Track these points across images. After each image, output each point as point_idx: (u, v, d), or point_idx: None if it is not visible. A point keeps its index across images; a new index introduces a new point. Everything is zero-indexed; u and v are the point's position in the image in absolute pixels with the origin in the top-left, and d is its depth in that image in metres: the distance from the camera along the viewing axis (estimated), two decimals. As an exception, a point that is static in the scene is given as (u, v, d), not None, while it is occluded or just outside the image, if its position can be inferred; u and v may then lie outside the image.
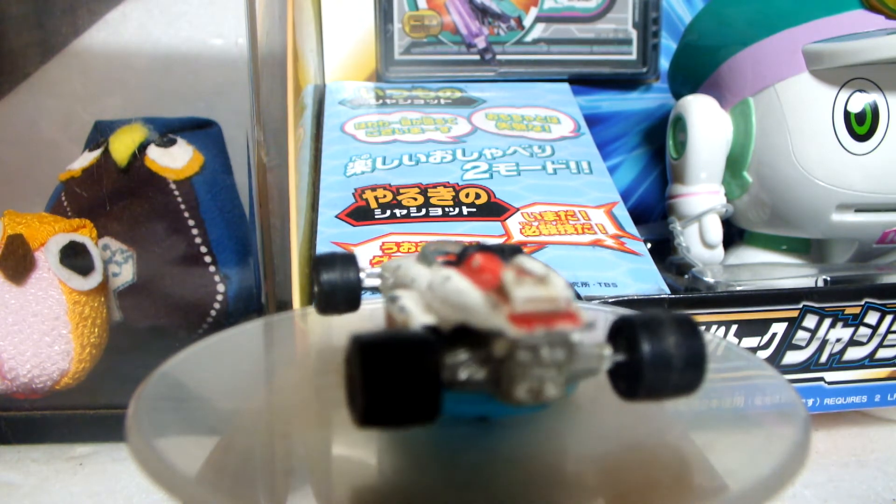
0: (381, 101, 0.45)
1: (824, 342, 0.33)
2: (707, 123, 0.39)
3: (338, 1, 0.47)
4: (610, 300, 0.30)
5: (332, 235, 0.34)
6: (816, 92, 0.36)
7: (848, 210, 0.36)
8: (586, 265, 0.32)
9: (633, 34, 0.48)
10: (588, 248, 0.33)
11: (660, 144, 0.47)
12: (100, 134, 0.39)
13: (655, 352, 0.16)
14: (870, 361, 0.34)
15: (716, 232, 0.39)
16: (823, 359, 0.33)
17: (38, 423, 0.33)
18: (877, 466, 0.33)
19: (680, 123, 0.40)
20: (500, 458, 0.19)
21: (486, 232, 0.34)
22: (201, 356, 0.23)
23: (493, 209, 0.35)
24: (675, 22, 0.49)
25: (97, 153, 0.37)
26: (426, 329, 0.18)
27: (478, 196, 0.36)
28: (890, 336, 0.33)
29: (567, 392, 0.17)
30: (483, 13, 0.47)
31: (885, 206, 0.36)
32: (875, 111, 0.35)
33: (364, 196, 0.36)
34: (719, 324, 0.32)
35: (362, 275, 0.24)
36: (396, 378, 0.15)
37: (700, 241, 0.39)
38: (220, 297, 0.36)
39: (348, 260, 0.24)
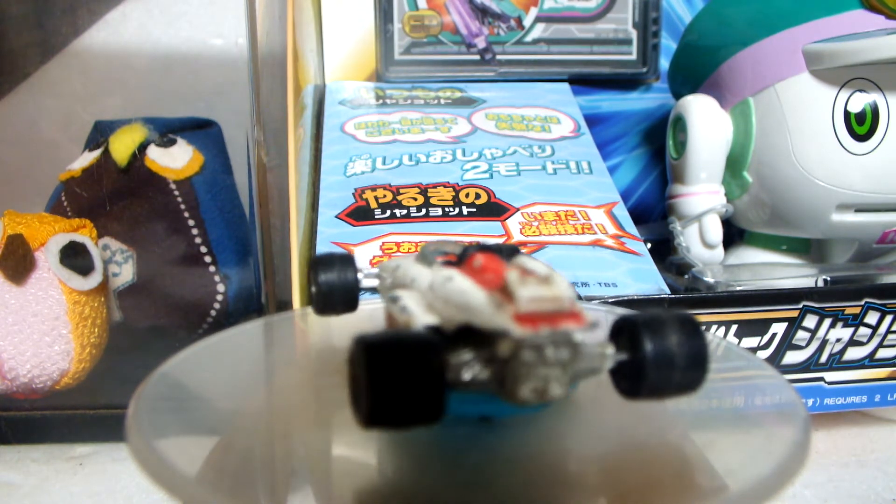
0: (381, 101, 0.45)
1: (824, 342, 0.33)
2: (707, 123, 0.39)
3: (338, 1, 0.47)
4: (610, 300, 0.30)
5: (332, 235, 0.34)
6: (816, 92, 0.36)
7: (848, 210, 0.36)
8: (586, 265, 0.32)
9: (633, 34, 0.48)
10: (588, 248, 0.33)
11: (660, 144, 0.47)
12: (100, 134, 0.39)
13: (658, 351, 0.16)
14: (870, 361, 0.34)
15: (716, 232, 0.39)
16: (823, 359, 0.33)
17: (38, 423, 0.33)
18: (877, 466, 0.33)
19: (680, 123, 0.40)
20: (502, 457, 0.19)
21: (486, 232, 0.34)
22: (201, 356, 0.23)
23: (493, 209, 0.35)
24: (675, 22, 0.49)
25: (97, 153, 0.37)
26: (429, 329, 0.18)
27: (478, 196, 0.36)
28: (890, 336, 0.33)
29: (569, 391, 0.17)
30: (483, 13, 0.47)
31: (885, 206, 0.36)
32: (875, 111, 0.35)
33: (364, 196, 0.36)
34: (719, 324, 0.32)
35: (360, 275, 0.24)
36: (401, 378, 0.15)
37: (700, 241, 0.39)
38: (220, 297, 0.36)
39: (346, 260, 0.24)
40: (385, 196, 0.36)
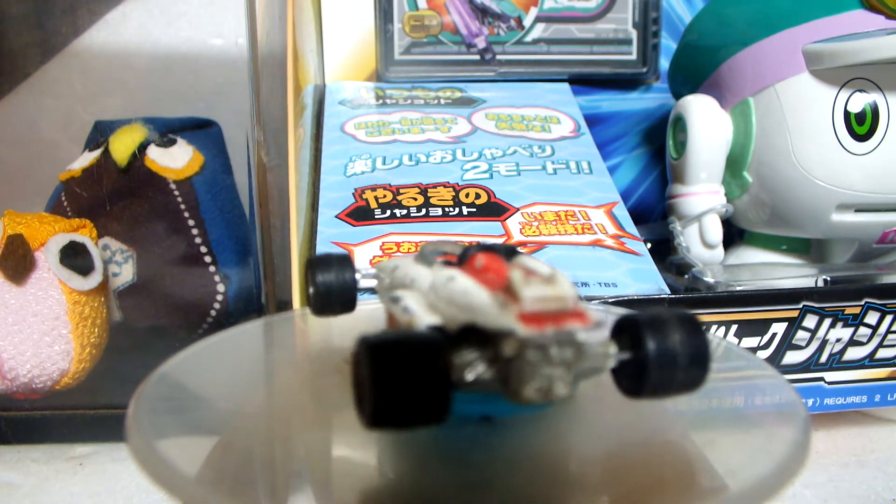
0: (381, 101, 0.45)
1: (824, 342, 0.33)
2: (707, 123, 0.39)
3: (338, 1, 0.47)
4: (610, 300, 0.30)
5: (332, 235, 0.34)
6: (816, 92, 0.36)
7: (848, 210, 0.36)
8: (586, 265, 0.32)
9: (633, 34, 0.48)
10: (588, 248, 0.33)
11: (660, 144, 0.47)
12: (100, 134, 0.39)
13: (660, 349, 0.16)
14: (870, 361, 0.34)
15: (716, 232, 0.39)
16: (823, 359, 0.33)
17: (38, 423, 0.33)
18: (877, 466, 0.33)
19: (680, 123, 0.40)
20: (503, 457, 0.19)
21: (486, 232, 0.34)
22: (201, 356, 0.23)
23: (493, 209, 0.35)
24: (675, 22, 0.49)
25: (97, 153, 0.37)
26: (432, 329, 0.18)
27: (478, 196, 0.36)
28: (890, 336, 0.33)
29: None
30: (483, 13, 0.47)
31: (885, 206, 0.36)
32: (875, 111, 0.35)
33: (364, 196, 0.36)
34: (719, 324, 0.32)
35: (357, 275, 0.24)
36: (407, 379, 0.15)
37: (700, 241, 0.39)
38: (220, 297, 0.36)
39: (343, 261, 0.24)
40: (385, 196, 0.36)
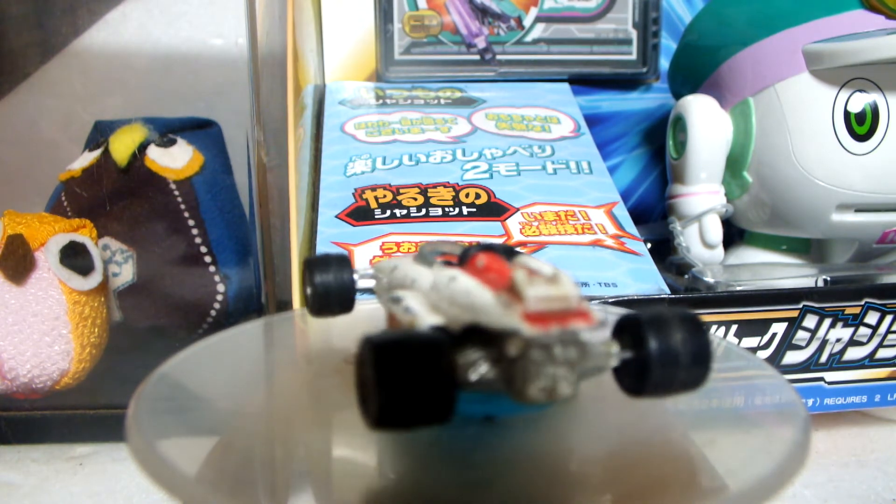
0: (381, 101, 0.45)
1: (824, 342, 0.33)
2: (707, 123, 0.39)
3: (338, 1, 0.47)
4: (610, 300, 0.30)
5: (332, 235, 0.34)
6: (816, 92, 0.36)
7: (848, 210, 0.36)
8: (586, 265, 0.32)
9: (633, 34, 0.48)
10: (588, 248, 0.33)
11: (660, 144, 0.47)
12: (100, 134, 0.39)
13: (663, 348, 0.16)
14: (870, 361, 0.34)
15: (716, 232, 0.39)
16: (823, 359, 0.33)
17: (38, 423, 0.33)
18: (877, 466, 0.33)
19: (680, 123, 0.40)
20: (505, 457, 0.19)
21: (486, 232, 0.34)
22: (201, 356, 0.23)
23: (493, 209, 0.35)
24: (675, 22, 0.49)
25: (97, 153, 0.37)
26: (435, 329, 0.18)
27: (478, 196, 0.36)
28: (890, 336, 0.33)
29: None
30: (483, 13, 0.47)
31: (885, 206, 0.36)
32: (875, 111, 0.35)
33: (364, 196, 0.36)
34: (719, 324, 0.32)
35: (355, 276, 0.24)
36: (412, 379, 0.15)
37: (700, 241, 0.39)
38: (220, 297, 0.36)
39: (341, 261, 0.24)
40: (385, 196, 0.36)
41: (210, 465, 0.18)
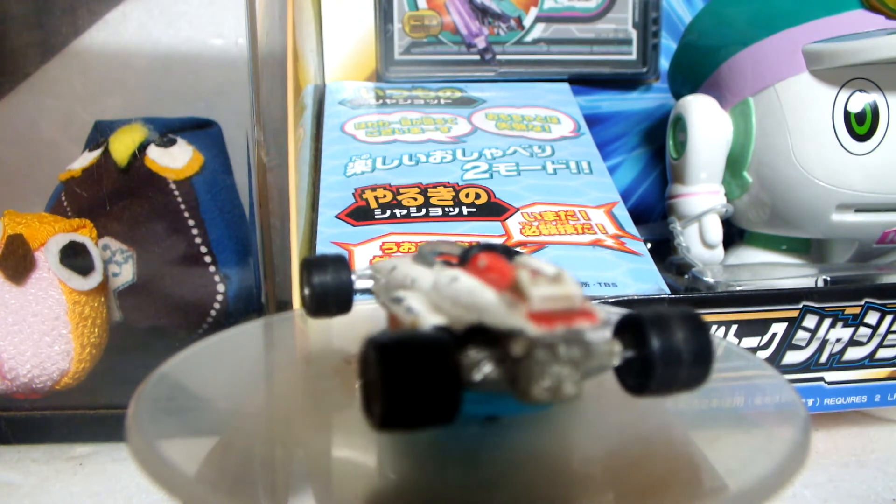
0: (381, 101, 0.45)
1: (824, 342, 0.33)
2: (707, 123, 0.39)
3: (338, 1, 0.47)
4: (610, 300, 0.30)
5: (332, 235, 0.34)
6: (816, 92, 0.36)
7: (848, 210, 0.36)
8: (586, 265, 0.32)
9: (633, 34, 0.48)
10: (588, 248, 0.33)
11: (660, 144, 0.47)
12: (100, 134, 0.39)
13: (665, 347, 0.16)
14: (870, 361, 0.34)
15: (716, 232, 0.39)
16: (823, 359, 0.33)
17: (38, 423, 0.33)
18: (877, 466, 0.33)
19: (680, 123, 0.40)
20: (507, 457, 0.19)
21: (486, 232, 0.34)
22: (201, 356, 0.23)
23: (493, 209, 0.35)
24: (675, 22, 0.49)
25: (97, 153, 0.37)
26: (439, 329, 0.18)
27: (478, 196, 0.36)
28: (890, 336, 0.33)
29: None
30: (483, 13, 0.47)
31: (885, 206, 0.36)
32: (875, 111, 0.35)
33: (364, 196, 0.36)
34: (719, 324, 0.32)
35: (353, 276, 0.24)
36: (417, 379, 0.15)
37: (700, 241, 0.39)
38: (220, 297, 0.36)
39: (339, 261, 0.24)
40: (385, 196, 0.36)
41: (210, 465, 0.18)
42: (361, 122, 0.42)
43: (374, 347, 0.15)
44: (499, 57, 0.47)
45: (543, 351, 0.15)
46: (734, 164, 0.39)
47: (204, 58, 0.47)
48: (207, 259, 0.36)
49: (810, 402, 0.33)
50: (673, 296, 0.31)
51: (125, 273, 0.36)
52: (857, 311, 0.32)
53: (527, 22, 0.47)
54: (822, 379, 0.33)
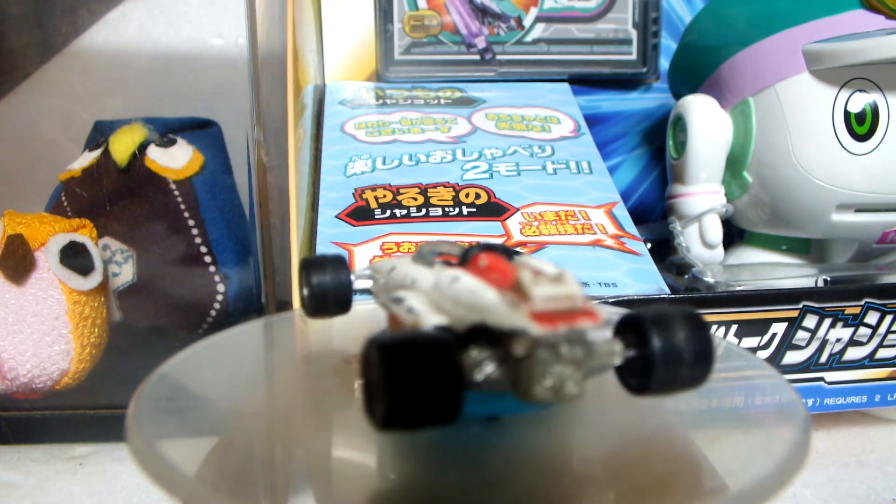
0: (381, 101, 0.45)
1: (824, 342, 0.33)
2: (707, 123, 0.39)
3: (338, 1, 0.47)
4: (610, 300, 0.30)
5: (332, 235, 0.34)
6: (816, 92, 0.36)
7: (848, 210, 0.36)
8: (586, 265, 0.32)
9: (633, 34, 0.48)
10: (588, 248, 0.33)
11: (660, 144, 0.47)
12: (100, 134, 0.39)
13: (666, 346, 0.16)
14: (870, 361, 0.34)
15: (716, 232, 0.39)
16: (823, 359, 0.33)
17: (38, 423, 0.33)
18: (877, 466, 0.33)
19: (680, 123, 0.40)
20: (507, 457, 0.19)
21: (486, 232, 0.34)
22: (201, 356, 0.23)
23: (493, 209, 0.35)
24: (675, 22, 0.49)
25: (97, 153, 0.37)
26: (441, 329, 0.18)
27: (478, 196, 0.36)
28: (890, 336, 0.33)
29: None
30: (483, 13, 0.47)
31: (885, 206, 0.36)
32: (875, 111, 0.35)
33: (364, 196, 0.36)
34: (719, 324, 0.32)
35: (352, 276, 0.24)
36: (420, 380, 0.15)
37: (700, 241, 0.39)
38: (220, 297, 0.36)
39: (338, 262, 0.24)
40: (385, 196, 0.36)
41: (210, 465, 0.18)
42: (361, 122, 0.42)
43: (376, 348, 0.15)
44: (499, 57, 0.47)
45: (546, 351, 0.15)
46: (734, 164, 0.39)
47: (204, 58, 0.47)
48: (207, 259, 0.36)
49: (810, 402, 0.33)
50: (673, 296, 0.31)
51: (125, 273, 0.36)
52: (857, 311, 0.32)
53: (527, 22, 0.47)
54: (822, 379, 0.33)
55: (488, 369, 0.16)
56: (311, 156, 0.40)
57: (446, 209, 0.35)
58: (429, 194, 0.36)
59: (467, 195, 0.36)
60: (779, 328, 0.32)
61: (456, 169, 0.38)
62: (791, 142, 0.36)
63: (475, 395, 0.17)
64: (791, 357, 0.33)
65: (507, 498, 0.18)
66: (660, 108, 0.49)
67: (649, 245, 0.36)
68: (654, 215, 0.48)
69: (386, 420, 0.15)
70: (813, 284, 0.34)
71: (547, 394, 0.15)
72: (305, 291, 0.24)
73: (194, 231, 0.36)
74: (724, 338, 0.32)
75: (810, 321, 0.32)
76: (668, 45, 0.48)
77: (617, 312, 0.18)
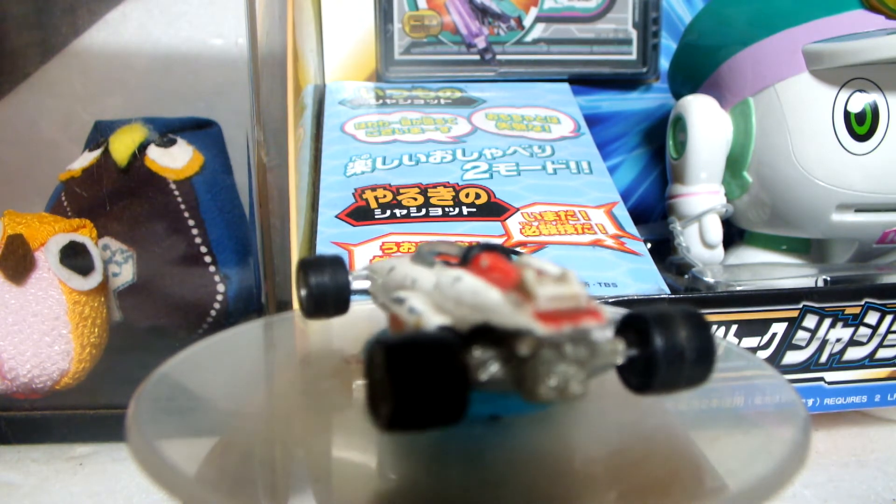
0: (381, 101, 0.45)
1: (824, 342, 0.33)
2: (707, 123, 0.39)
3: (338, 1, 0.47)
4: (610, 300, 0.30)
5: (332, 235, 0.34)
6: (816, 92, 0.36)
7: (848, 210, 0.36)
8: (586, 265, 0.32)
9: (633, 34, 0.48)
10: (588, 248, 0.33)
11: (660, 144, 0.47)
12: (100, 134, 0.39)
13: (669, 345, 0.16)
14: (870, 361, 0.34)
15: (716, 232, 0.39)
16: (823, 359, 0.33)
17: (38, 423, 0.33)
18: (877, 466, 0.33)
19: (680, 123, 0.40)
20: (508, 457, 0.19)
21: (486, 232, 0.34)
22: (201, 356, 0.23)
23: (493, 209, 0.35)
24: (675, 22, 0.49)
25: (97, 153, 0.37)
26: (444, 330, 0.18)
27: (478, 196, 0.36)
28: (890, 336, 0.33)
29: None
30: (483, 13, 0.47)
31: (885, 206, 0.36)
32: (875, 111, 0.35)
33: (364, 196, 0.36)
34: (719, 324, 0.32)
35: (350, 277, 0.24)
36: (425, 380, 0.15)
37: (700, 241, 0.39)
38: (220, 297, 0.36)
39: (336, 262, 0.24)
40: (385, 196, 0.36)
41: (210, 465, 0.18)
42: (361, 122, 0.42)
43: (381, 348, 0.15)
44: (499, 57, 0.47)
45: (550, 350, 0.15)
46: (734, 164, 0.39)
47: (204, 58, 0.47)
48: (207, 259, 0.36)
49: (810, 402, 0.33)
50: (673, 296, 0.31)
51: (125, 273, 0.36)
52: (857, 311, 0.32)
53: (527, 22, 0.47)
54: (822, 379, 0.33)
55: (493, 369, 0.16)
56: (311, 156, 0.40)
57: (446, 209, 0.35)
58: (429, 194, 0.36)
59: (467, 195, 0.36)
60: (779, 328, 0.32)
61: (456, 169, 0.38)
62: (791, 142, 0.36)
63: (478, 394, 0.17)
64: (791, 357, 0.33)
65: (508, 498, 0.18)
66: (660, 108, 0.49)
67: (649, 245, 0.36)
68: (654, 215, 0.48)
69: (391, 421, 0.15)
70: (813, 284, 0.34)
71: (552, 393, 0.15)
72: (303, 292, 0.24)
73: (194, 231, 0.36)
74: (724, 338, 0.32)
75: (810, 321, 0.32)
76: (668, 45, 0.48)
77: (617, 312, 0.18)
